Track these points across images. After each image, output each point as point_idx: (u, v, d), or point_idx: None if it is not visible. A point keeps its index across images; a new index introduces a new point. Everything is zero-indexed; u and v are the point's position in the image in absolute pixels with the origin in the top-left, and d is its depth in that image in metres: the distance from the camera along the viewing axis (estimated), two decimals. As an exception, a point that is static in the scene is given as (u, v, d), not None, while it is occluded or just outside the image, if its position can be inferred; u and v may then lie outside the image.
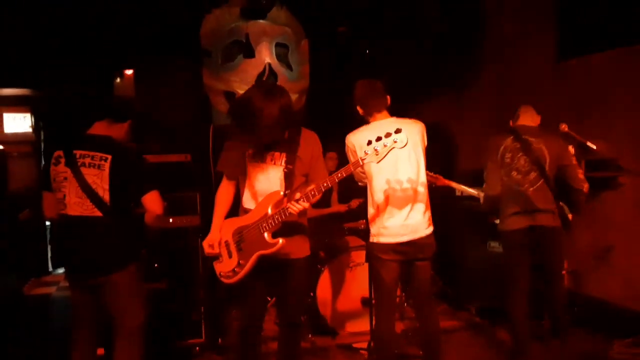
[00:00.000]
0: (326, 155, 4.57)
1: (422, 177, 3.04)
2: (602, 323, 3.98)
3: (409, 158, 2.99)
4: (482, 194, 3.94)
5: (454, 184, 4.00)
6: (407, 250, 2.99)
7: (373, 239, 3.07)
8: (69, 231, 2.79)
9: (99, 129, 2.83)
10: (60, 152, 2.77)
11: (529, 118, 3.63)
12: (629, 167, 3.92)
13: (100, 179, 2.70)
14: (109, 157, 2.72)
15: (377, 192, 3.03)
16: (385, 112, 3.10)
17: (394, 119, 3.08)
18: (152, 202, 2.76)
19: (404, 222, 2.97)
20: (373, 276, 3.13)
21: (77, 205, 2.72)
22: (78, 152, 2.74)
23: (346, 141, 3.09)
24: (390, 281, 3.05)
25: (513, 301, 3.53)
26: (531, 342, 3.56)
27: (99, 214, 2.70)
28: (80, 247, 2.77)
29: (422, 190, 3.03)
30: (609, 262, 4.16)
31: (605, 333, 3.84)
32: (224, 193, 2.92)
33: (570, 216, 3.76)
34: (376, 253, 3.05)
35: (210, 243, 2.84)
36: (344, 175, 2.56)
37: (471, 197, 4.47)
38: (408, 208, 2.97)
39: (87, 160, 2.72)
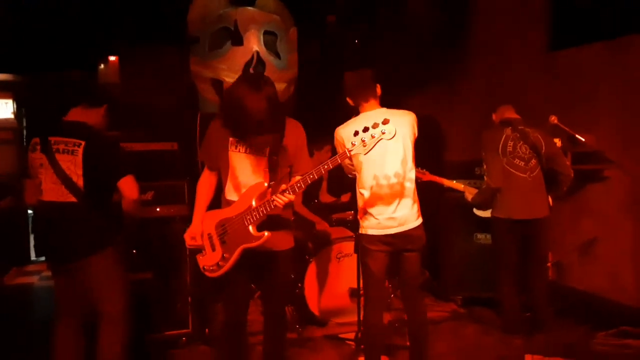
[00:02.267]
0: (322, 148, 4.53)
1: (410, 169, 3.03)
2: (586, 315, 4.03)
3: (397, 150, 2.97)
4: (469, 189, 4.01)
5: (440, 179, 4.07)
6: (395, 242, 2.98)
7: (362, 230, 3.07)
8: (44, 217, 2.82)
9: (75, 115, 2.84)
10: (36, 139, 2.79)
11: (512, 113, 3.87)
12: (615, 160, 3.96)
13: (74, 165, 2.72)
14: (82, 142, 2.73)
15: (365, 184, 3.02)
16: (374, 102, 3.07)
17: (384, 110, 3.06)
18: (128, 187, 2.77)
19: (392, 215, 2.96)
20: (362, 267, 3.13)
21: (53, 191, 2.73)
22: (53, 139, 2.75)
23: (335, 134, 3.07)
24: (378, 272, 3.05)
25: (504, 283, 3.81)
26: (521, 319, 3.81)
27: (73, 199, 2.72)
28: (56, 232, 2.78)
29: (410, 182, 3.02)
30: (593, 254, 4.21)
31: (589, 325, 3.88)
32: (206, 184, 2.87)
33: (551, 202, 3.89)
34: (365, 244, 3.05)
35: (192, 235, 2.80)
36: (330, 167, 2.52)
37: (457, 189, 4.50)
38: (397, 200, 2.96)
39: (61, 147, 2.73)
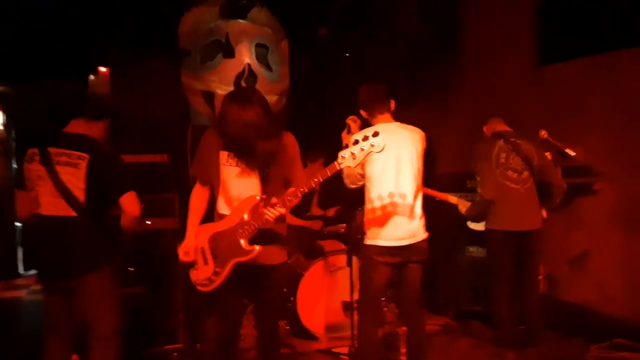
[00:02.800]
0: (316, 160, 4.53)
1: (419, 183, 3.08)
2: (577, 327, 4.03)
3: (408, 164, 3.03)
4: (462, 202, 4.02)
5: (433, 192, 4.05)
6: (403, 253, 3.01)
7: (369, 241, 3.06)
8: (41, 231, 2.71)
9: (76, 127, 2.76)
10: (35, 150, 2.69)
11: (503, 125, 3.92)
12: (604, 173, 3.99)
13: (76, 178, 2.63)
14: (87, 156, 2.65)
15: (376, 194, 3.03)
16: (388, 115, 3.14)
17: (397, 124, 3.13)
18: (130, 203, 2.70)
19: (405, 226, 2.99)
20: (362, 278, 3.12)
21: (51, 205, 2.64)
22: (53, 150, 2.66)
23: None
24: (379, 284, 3.06)
25: (499, 296, 3.81)
26: (514, 332, 3.81)
27: (73, 213, 2.63)
28: (53, 247, 2.69)
29: (420, 196, 3.08)
30: (584, 266, 4.23)
31: (580, 337, 3.89)
32: (198, 198, 2.84)
33: (545, 214, 3.92)
34: (371, 255, 3.04)
35: (186, 250, 2.77)
36: (321, 179, 2.50)
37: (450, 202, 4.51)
38: (408, 213, 3.00)
39: (63, 159, 2.64)
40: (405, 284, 3.10)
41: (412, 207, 3.02)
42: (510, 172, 3.74)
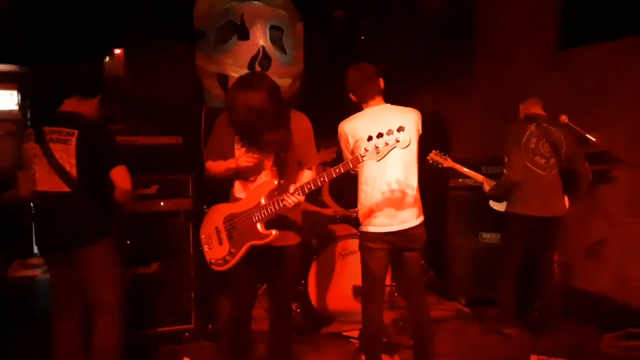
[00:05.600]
0: (329, 147, 4.49)
1: (414, 172, 3.00)
2: (593, 316, 4.00)
3: (405, 155, 2.92)
4: (488, 181, 3.97)
5: (460, 167, 4.03)
6: (395, 240, 2.96)
7: (362, 227, 3.04)
8: (38, 207, 2.83)
9: (69, 105, 2.84)
10: (31, 130, 2.80)
11: (539, 108, 3.84)
12: (624, 161, 3.92)
13: (66, 154, 2.72)
14: (75, 132, 2.73)
15: (368, 181, 2.99)
16: (379, 98, 3.03)
17: (388, 106, 3.02)
18: (120, 176, 2.76)
19: (393, 213, 2.93)
20: (362, 265, 3.10)
21: (46, 181, 2.74)
22: (47, 129, 2.75)
23: (339, 129, 3.03)
24: (378, 270, 3.02)
25: (506, 278, 3.84)
26: (514, 315, 3.88)
27: (67, 189, 2.72)
28: (49, 222, 2.79)
29: (414, 182, 2.98)
30: (601, 255, 4.17)
31: (596, 326, 3.85)
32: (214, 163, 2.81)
33: (567, 203, 3.88)
34: (365, 242, 3.03)
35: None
36: (342, 171, 2.50)
37: (464, 188, 4.47)
38: (398, 199, 2.93)
39: (55, 136, 2.73)
40: (405, 271, 3.07)
41: (403, 192, 2.93)
42: (538, 158, 3.73)
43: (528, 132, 3.75)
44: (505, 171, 3.79)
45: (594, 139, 3.57)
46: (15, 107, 6.28)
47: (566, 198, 3.83)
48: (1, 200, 4.59)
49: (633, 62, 3.95)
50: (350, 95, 3.08)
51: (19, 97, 6.26)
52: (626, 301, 3.92)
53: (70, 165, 2.72)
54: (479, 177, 4.06)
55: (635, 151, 3.89)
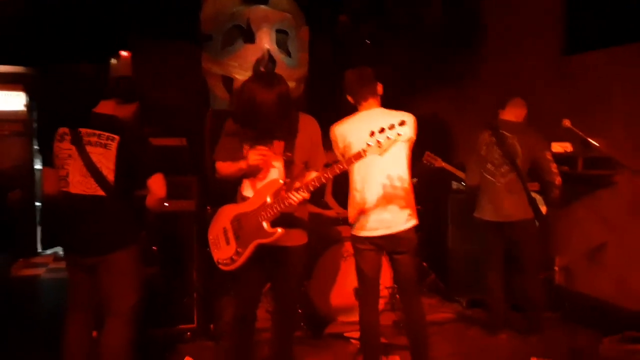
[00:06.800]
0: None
1: (404, 172, 2.99)
2: (593, 320, 4.01)
3: (397, 154, 2.92)
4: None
5: (451, 168, 4.33)
6: (382, 244, 2.99)
7: (353, 231, 3.08)
8: (70, 209, 2.75)
9: (106, 108, 2.78)
10: (65, 129, 2.73)
11: (513, 113, 3.88)
12: (625, 166, 3.93)
13: (105, 159, 2.67)
14: (117, 137, 2.68)
15: (356, 184, 3.02)
16: (373, 101, 3.03)
17: (382, 109, 3.03)
18: (157, 184, 2.73)
19: (379, 217, 2.95)
20: (355, 267, 3.13)
21: (80, 184, 2.69)
22: (84, 130, 2.70)
23: (331, 132, 3.05)
24: (369, 271, 3.05)
25: (490, 280, 3.92)
26: (504, 315, 3.93)
27: (102, 193, 2.68)
28: (81, 225, 2.73)
29: (404, 185, 2.98)
30: (601, 259, 4.18)
31: (596, 330, 3.86)
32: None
33: (544, 209, 3.96)
34: (355, 243, 3.07)
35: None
36: (346, 167, 2.55)
37: (465, 191, 4.51)
38: (386, 203, 2.94)
39: (94, 139, 2.68)
40: (397, 274, 3.12)
41: (391, 196, 2.93)
42: (489, 165, 3.81)
43: (481, 139, 3.86)
44: (464, 176, 4.04)
45: (596, 144, 3.59)
46: (23, 108, 6.35)
47: (541, 201, 3.93)
48: (7, 200, 4.63)
49: (636, 68, 3.97)
50: (348, 97, 3.11)
51: (27, 98, 6.34)
52: (626, 305, 3.94)
53: (108, 169, 2.67)
54: (463, 176, 4.23)
55: (637, 157, 3.90)
